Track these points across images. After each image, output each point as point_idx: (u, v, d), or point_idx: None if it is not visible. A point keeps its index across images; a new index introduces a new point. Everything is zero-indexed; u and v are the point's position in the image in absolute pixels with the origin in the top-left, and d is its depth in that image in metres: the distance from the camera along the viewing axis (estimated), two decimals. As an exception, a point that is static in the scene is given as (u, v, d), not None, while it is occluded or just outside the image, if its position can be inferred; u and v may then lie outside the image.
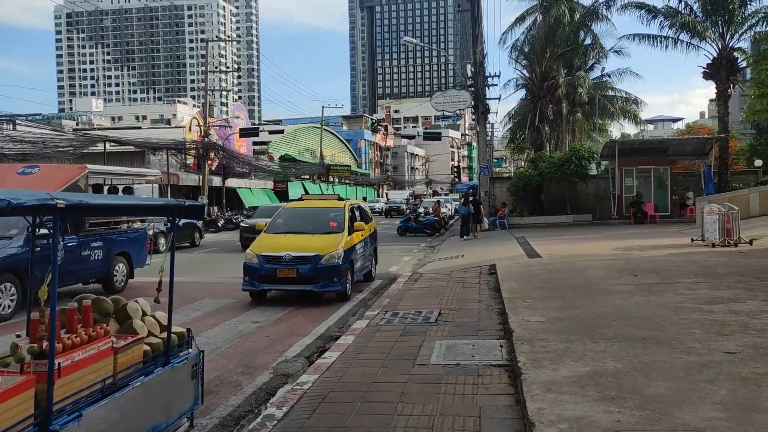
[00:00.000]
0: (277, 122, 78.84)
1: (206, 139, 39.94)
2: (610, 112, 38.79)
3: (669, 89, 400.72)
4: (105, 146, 30.20)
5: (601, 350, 5.71)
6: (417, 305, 9.60)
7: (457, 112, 33.21)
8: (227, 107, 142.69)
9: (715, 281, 9.48)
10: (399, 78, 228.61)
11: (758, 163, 27.02)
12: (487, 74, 28.23)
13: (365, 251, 12.53)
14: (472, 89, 27.12)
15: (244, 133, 42.45)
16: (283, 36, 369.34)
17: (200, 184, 39.95)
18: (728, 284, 9.12)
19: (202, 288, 12.74)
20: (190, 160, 43.36)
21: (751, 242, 14.64)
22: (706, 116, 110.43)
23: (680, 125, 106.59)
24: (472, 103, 27.66)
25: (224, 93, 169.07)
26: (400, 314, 8.89)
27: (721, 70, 26.04)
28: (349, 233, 11.48)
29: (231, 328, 8.82)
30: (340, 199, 13.00)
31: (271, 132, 49.48)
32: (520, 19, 37.13)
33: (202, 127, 40.37)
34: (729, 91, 26.51)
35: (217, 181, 42.94)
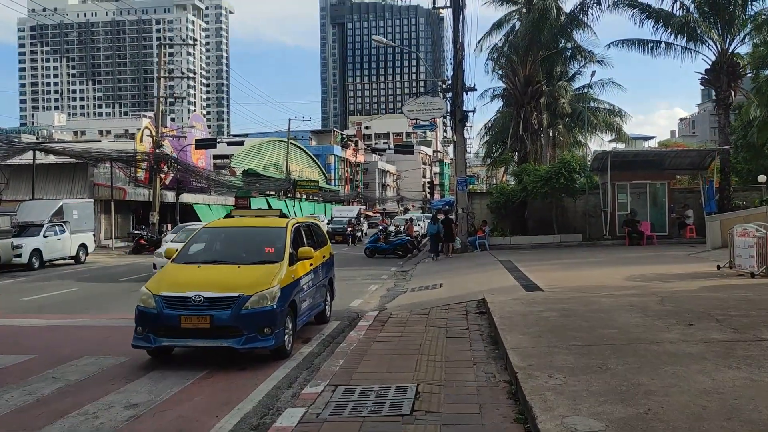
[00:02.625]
0: (243, 136, 75.28)
1: (158, 151, 36.46)
2: (593, 125, 36.32)
3: (633, 111, 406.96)
4: (34, 156, 26.47)
5: None
6: (383, 373, 6.47)
7: (431, 121, 30.26)
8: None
9: (815, 336, 6.54)
10: (371, 95, 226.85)
11: (762, 178, 24.72)
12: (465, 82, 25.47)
13: (316, 285, 9.36)
14: (449, 94, 24.24)
15: (200, 144, 39.02)
16: (254, 53, 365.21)
17: (151, 199, 36.25)
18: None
19: (91, 336, 9.43)
20: (142, 174, 39.81)
21: (797, 271, 11.85)
22: (677, 135, 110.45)
23: (651, 143, 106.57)
24: (449, 109, 24.82)
25: (191, 108, 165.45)
26: (355, 394, 5.75)
27: (721, 76, 23.61)
28: (292, 263, 8.28)
29: (86, 421, 5.52)
30: (283, 215, 9.77)
31: (229, 144, 46.02)
32: (498, 25, 34.65)
33: (154, 138, 36.89)
34: (730, 99, 24.09)
35: (171, 196, 39.17)
